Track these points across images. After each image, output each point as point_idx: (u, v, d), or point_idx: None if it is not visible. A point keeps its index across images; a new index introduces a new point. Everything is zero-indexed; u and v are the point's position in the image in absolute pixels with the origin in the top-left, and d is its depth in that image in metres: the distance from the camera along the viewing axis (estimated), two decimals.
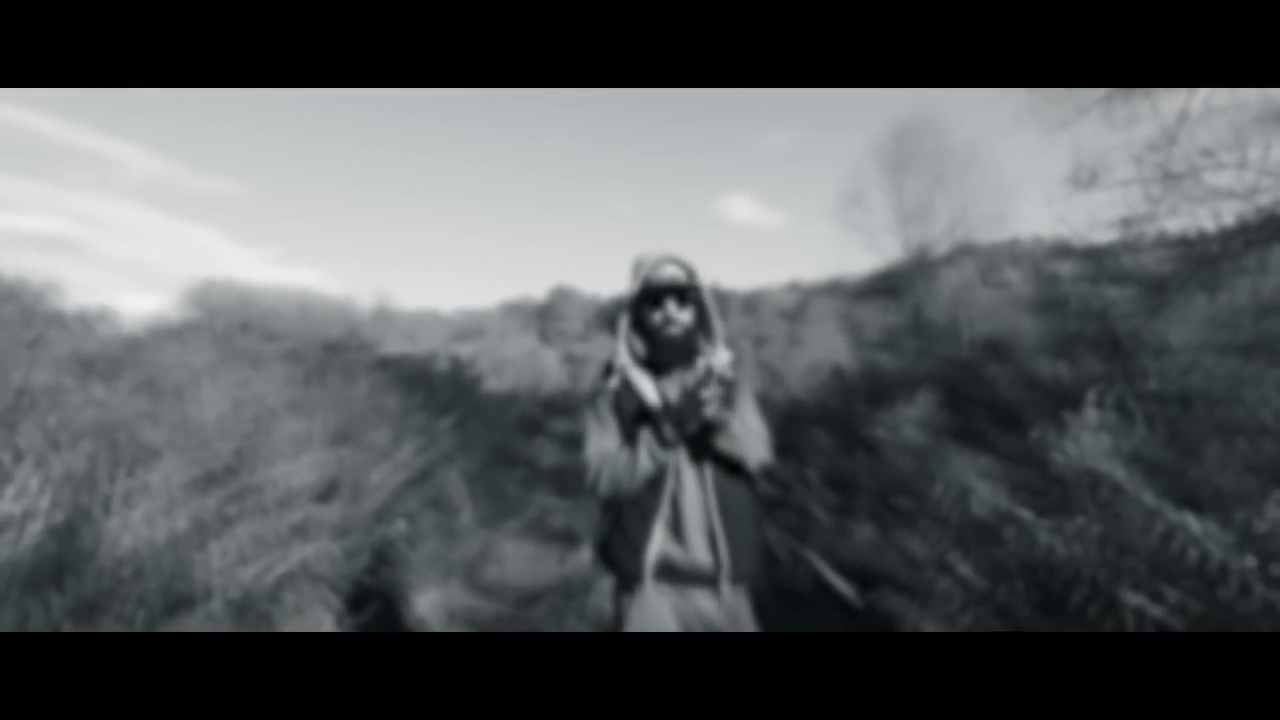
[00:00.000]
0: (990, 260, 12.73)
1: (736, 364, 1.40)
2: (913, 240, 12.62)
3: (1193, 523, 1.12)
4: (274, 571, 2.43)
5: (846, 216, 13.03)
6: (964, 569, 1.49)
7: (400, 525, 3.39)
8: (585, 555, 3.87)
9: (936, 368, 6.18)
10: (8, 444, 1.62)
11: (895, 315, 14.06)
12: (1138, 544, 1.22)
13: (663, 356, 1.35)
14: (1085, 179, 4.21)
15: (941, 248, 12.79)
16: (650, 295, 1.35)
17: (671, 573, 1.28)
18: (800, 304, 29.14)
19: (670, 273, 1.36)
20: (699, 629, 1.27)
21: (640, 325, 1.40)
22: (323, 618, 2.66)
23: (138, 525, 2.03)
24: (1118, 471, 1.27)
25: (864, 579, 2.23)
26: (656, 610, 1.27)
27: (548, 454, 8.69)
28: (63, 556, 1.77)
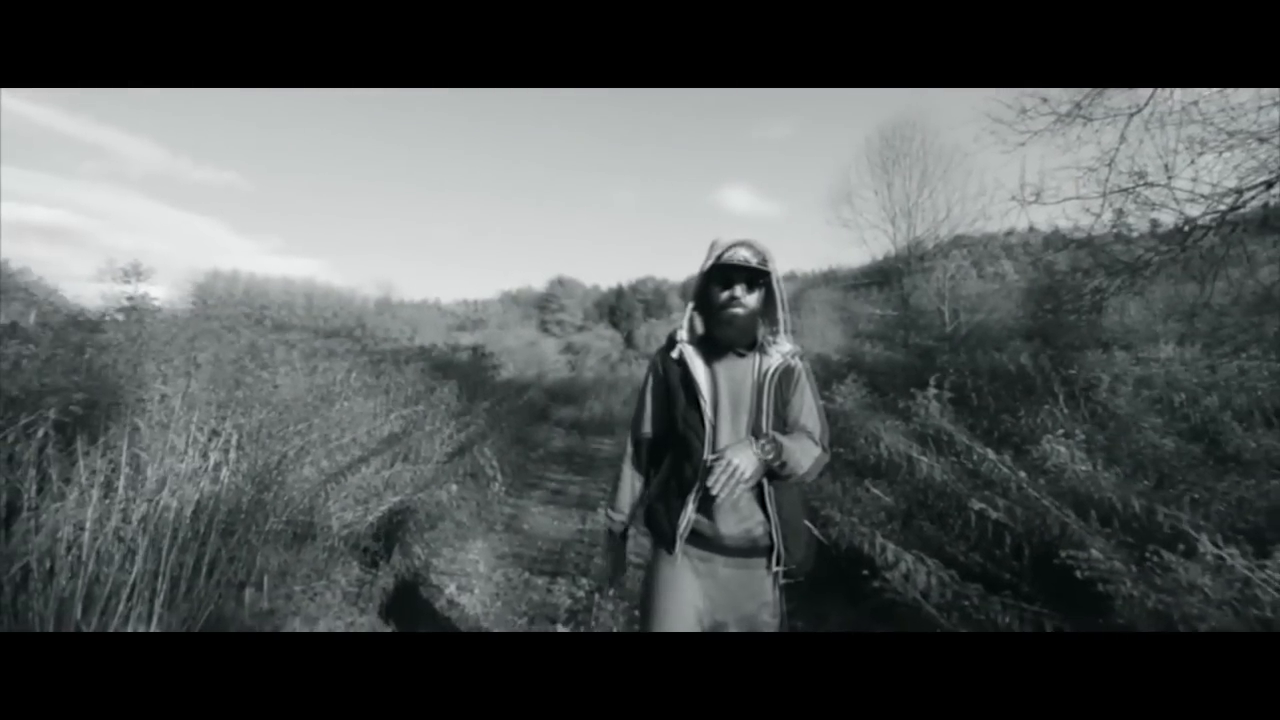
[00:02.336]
0: (985, 251, 13.13)
1: (799, 354, 1.40)
2: (901, 237, 13.28)
3: (990, 454, 1.81)
4: (373, 514, 3.14)
5: (838, 213, 13.67)
6: (877, 490, 2.21)
7: (453, 489, 4.11)
8: (603, 516, 4.59)
9: (912, 359, 6.88)
10: (215, 413, 2.31)
11: (887, 306, 14.72)
12: (984, 470, 1.92)
13: (721, 335, 1.34)
14: (1030, 196, 4.92)
15: (931, 242, 13.44)
16: (720, 274, 1.35)
17: (701, 541, 1.34)
18: (797, 295, 29.76)
19: (742, 255, 1.34)
20: (718, 597, 1.33)
21: (705, 304, 1.40)
22: (404, 554, 3.38)
23: (286, 474, 2.73)
24: (948, 425, 1.98)
25: (826, 520, 2.94)
26: (681, 573, 1.34)
27: (557, 438, 9.47)
28: (249, 498, 2.47)
